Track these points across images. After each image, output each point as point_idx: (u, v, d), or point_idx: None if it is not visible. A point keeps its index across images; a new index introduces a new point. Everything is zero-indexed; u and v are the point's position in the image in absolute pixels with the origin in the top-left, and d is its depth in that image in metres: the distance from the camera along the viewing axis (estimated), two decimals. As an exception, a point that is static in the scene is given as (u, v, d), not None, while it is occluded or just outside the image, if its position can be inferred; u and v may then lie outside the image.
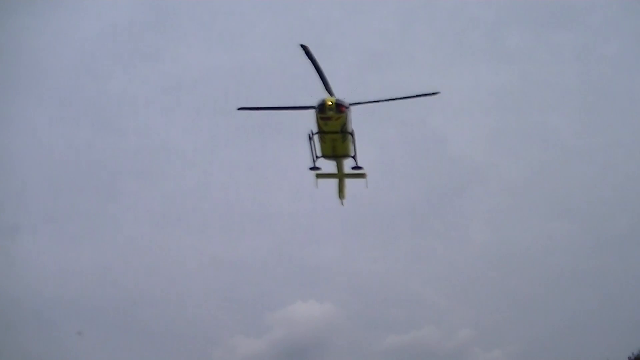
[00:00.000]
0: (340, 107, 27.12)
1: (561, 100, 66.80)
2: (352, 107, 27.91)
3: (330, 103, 26.82)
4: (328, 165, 30.54)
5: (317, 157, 29.30)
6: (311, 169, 29.90)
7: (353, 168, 30.29)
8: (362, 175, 31.30)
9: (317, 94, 27.07)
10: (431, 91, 28.69)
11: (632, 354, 40.67)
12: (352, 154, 29.58)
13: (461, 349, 56.87)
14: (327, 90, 26.85)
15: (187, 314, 56.83)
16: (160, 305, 57.42)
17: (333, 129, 27.70)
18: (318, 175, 31.36)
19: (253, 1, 63.31)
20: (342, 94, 30.32)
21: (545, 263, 58.33)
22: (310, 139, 28.44)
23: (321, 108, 27.06)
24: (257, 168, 63.17)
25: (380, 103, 28.11)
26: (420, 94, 28.27)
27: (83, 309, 54.79)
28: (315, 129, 27.97)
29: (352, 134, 28.51)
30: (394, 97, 28.08)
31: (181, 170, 64.62)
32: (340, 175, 31.80)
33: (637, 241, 56.58)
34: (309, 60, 25.85)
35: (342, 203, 33.58)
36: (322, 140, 28.44)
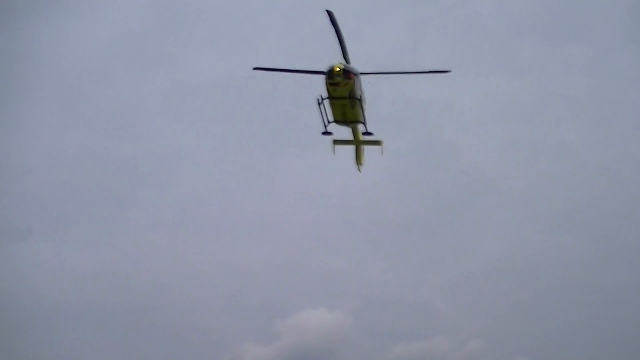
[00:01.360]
0: (348, 74, 27.52)
1: (573, 112, 66.82)
2: (362, 78, 28.56)
3: (338, 69, 27.24)
4: (340, 131, 31.06)
5: (328, 122, 29.70)
6: (323, 133, 30.34)
7: (364, 134, 30.72)
8: (378, 143, 32.35)
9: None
10: (443, 69, 29.03)
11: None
12: (362, 120, 29.92)
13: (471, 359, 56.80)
14: (344, 58, 27.45)
15: (197, 319, 56.91)
16: (169, 310, 57.53)
17: (341, 95, 28.10)
18: (335, 142, 32.16)
19: (265, 6, 63.32)
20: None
21: (555, 274, 58.23)
22: (320, 104, 28.82)
23: (329, 74, 27.48)
24: (269, 175, 63.64)
25: (390, 75, 28.66)
26: (431, 70, 28.70)
27: (92, 313, 55.04)
28: (324, 95, 28.37)
29: (361, 100, 28.89)
30: (405, 70, 28.63)
31: (192, 176, 64.84)
32: (357, 142, 32.46)
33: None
34: (332, 27, 26.46)
35: (359, 169, 34.13)
36: (332, 105, 28.92)
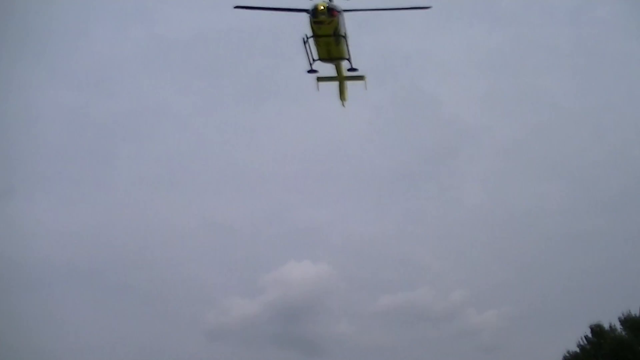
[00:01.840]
0: (332, 12, 27.70)
1: (554, 62, 66.80)
2: (344, 14, 28.37)
3: (322, 7, 27.32)
4: (325, 68, 30.37)
5: (313, 60, 29.55)
6: (308, 72, 30.13)
7: (349, 70, 30.41)
8: (361, 78, 32.46)
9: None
10: (423, 5, 29.02)
11: (622, 314, 41.05)
12: (347, 57, 29.90)
13: (455, 310, 57.46)
14: None
15: (181, 275, 57.19)
16: (154, 266, 57.77)
17: (326, 33, 28.25)
18: (319, 79, 31.69)
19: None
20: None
21: (538, 224, 58.76)
22: (305, 42, 28.72)
23: (314, 13, 27.58)
24: (251, 129, 63.40)
25: (371, 12, 28.74)
26: (411, 7, 28.43)
27: (76, 270, 55.10)
28: (309, 33, 28.28)
29: (345, 37, 29.04)
30: (384, 7, 28.69)
31: (173, 132, 64.82)
32: (340, 78, 32.11)
33: (630, 202, 57.08)
34: None
35: (343, 105, 34.69)
36: (317, 43, 28.95)
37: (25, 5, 61.98)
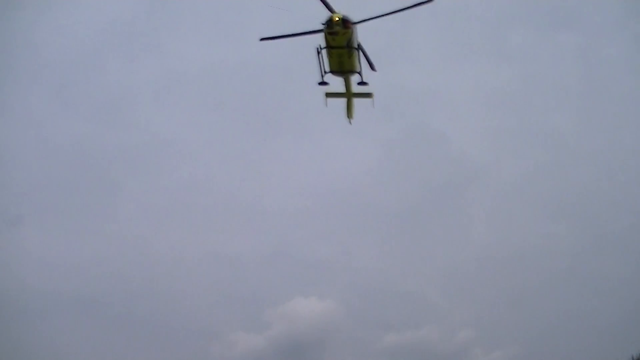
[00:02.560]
0: (346, 23, 28.70)
1: (562, 100, 66.91)
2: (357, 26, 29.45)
3: (337, 19, 28.43)
4: (336, 83, 31.73)
5: (325, 72, 30.63)
6: (319, 84, 31.19)
7: (359, 84, 31.55)
8: (369, 95, 32.84)
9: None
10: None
11: (632, 357, 40.73)
12: (358, 70, 30.90)
13: (462, 349, 56.95)
14: (329, 10, 28.57)
15: (187, 309, 56.88)
16: (159, 300, 57.38)
17: (339, 44, 29.21)
18: (327, 94, 32.66)
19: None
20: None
21: (545, 263, 58.40)
22: (319, 53, 29.82)
23: (329, 24, 28.62)
24: (259, 164, 63.55)
25: (378, 19, 29.41)
26: (414, 4, 29.58)
27: (82, 302, 54.87)
28: (323, 44, 29.41)
29: (358, 49, 29.94)
30: (390, 11, 29.46)
31: (181, 165, 64.80)
32: (349, 94, 33.01)
33: (637, 242, 56.76)
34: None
35: (350, 122, 35.22)
36: (329, 55, 29.97)
37: (36, 37, 62.75)
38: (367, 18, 29.51)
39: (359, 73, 31.16)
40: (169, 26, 66.92)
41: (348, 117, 34.74)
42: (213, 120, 66.46)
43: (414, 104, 64.18)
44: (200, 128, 66.13)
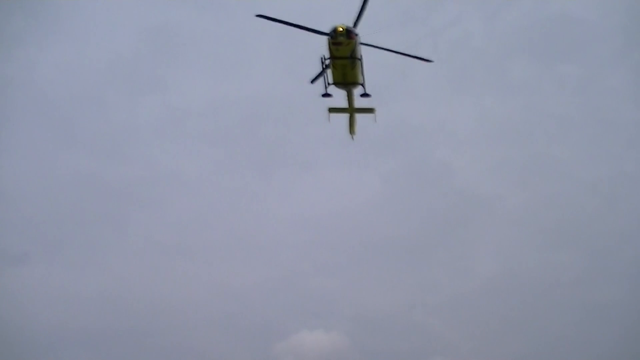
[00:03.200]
0: (350, 34, 29.54)
1: (565, 130, 67.06)
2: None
3: (341, 29, 29.25)
4: (339, 96, 33.03)
5: (328, 84, 31.64)
6: (323, 95, 32.24)
7: (362, 95, 32.53)
8: (371, 110, 34.50)
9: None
10: (426, 58, 32.20)
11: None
12: (361, 82, 31.87)
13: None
14: (358, 19, 29.51)
15: (193, 343, 56.68)
16: (165, 334, 57.32)
17: (343, 55, 30.07)
18: (330, 110, 33.88)
19: (256, 31, 63.69)
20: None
21: (550, 292, 58.26)
22: (323, 63, 30.73)
23: (333, 34, 29.38)
24: (262, 197, 63.64)
25: (381, 51, 30.84)
26: (416, 56, 31.56)
27: (88, 336, 54.97)
28: (327, 55, 30.28)
29: (360, 60, 30.93)
30: (394, 50, 31.13)
31: (186, 199, 64.86)
32: (351, 110, 34.13)
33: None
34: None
35: (352, 138, 35.70)
36: (333, 66, 30.87)
37: (41, 72, 63.36)
38: (368, 44, 30.53)
39: (362, 84, 31.96)
40: (170, 63, 67.69)
41: (350, 132, 35.41)
42: (216, 154, 66.76)
43: (417, 136, 64.61)
44: (204, 162, 66.36)
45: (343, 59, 30.31)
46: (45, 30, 63.10)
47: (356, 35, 29.85)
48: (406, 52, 31.54)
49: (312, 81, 32.51)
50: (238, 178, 65.59)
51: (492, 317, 58.53)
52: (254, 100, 62.82)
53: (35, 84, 63.62)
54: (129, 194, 63.53)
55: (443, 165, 64.52)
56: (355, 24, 29.68)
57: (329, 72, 31.39)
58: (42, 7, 62.71)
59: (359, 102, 34.10)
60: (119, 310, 56.51)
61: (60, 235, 60.27)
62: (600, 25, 66.94)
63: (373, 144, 60.54)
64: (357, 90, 32.95)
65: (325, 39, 30.04)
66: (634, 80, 65.12)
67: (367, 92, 32.65)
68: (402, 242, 62.20)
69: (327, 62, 30.74)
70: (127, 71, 66.02)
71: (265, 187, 64.22)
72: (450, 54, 67.28)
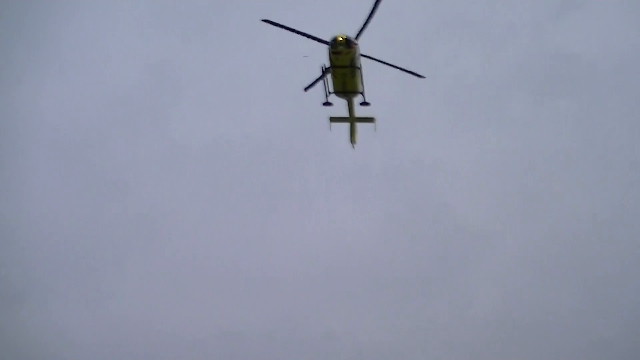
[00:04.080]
0: (350, 43, 30.76)
1: (564, 166, 66.98)
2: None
3: (341, 39, 30.50)
4: (339, 106, 34.27)
5: (329, 92, 32.94)
6: (324, 104, 33.56)
7: (362, 104, 33.83)
8: (371, 120, 35.59)
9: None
10: (419, 73, 33.28)
11: None
12: (361, 90, 33.16)
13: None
14: (363, 28, 30.58)
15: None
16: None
17: (343, 64, 31.25)
18: (331, 119, 35.52)
19: (256, 69, 63.86)
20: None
21: (551, 333, 58.01)
22: (323, 72, 32.09)
23: (333, 43, 30.64)
24: (261, 236, 63.41)
25: (377, 62, 32.20)
26: (409, 70, 32.71)
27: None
28: (327, 64, 31.54)
29: (360, 69, 32.13)
30: (389, 62, 32.37)
31: (183, 239, 64.54)
32: (352, 119, 35.61)
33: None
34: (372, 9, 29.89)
35: (353, 147, 37.02)
36: (333, 75, 32.11)
37: (39, 109, 63.34)
38: (366, 55, 31.75)
39: (362, 93, 33.17)
40: (171, 99, 67.71)
41: (351, 142, 36.69)
42: (216, 192, 66.62)
43: (415, 171, 64.50)
44: (203, 200, 66.20)
45: (343, 67, 31.32)
46: (46, 66, 63.34)
47: (356, 44, 30.96)
48: (400, 67, 32.72)
49: (306, 89, 33.85)
50: (238, 217, 65.53)
51: (491, 354, 58.35)
52: (255, 138, 63.08)
53: (34, 121, 63.67)
54: (127, 233, 63.41)
55: (442, 201, 64.46)
56: (358, 36, 30.81)
57: (329, 81, 32.49)
58: (43, 43, 63.05)
59: (359, 111, 35.27)
60: (118, 351, 56.21)
61: (57, 273, 60.10)
62: (598, 60, 67.25)
63: (372, 180, 60.82)
64: (357, 99, 34.25)
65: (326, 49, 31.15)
66: (633, 116, 65.29)
67: (367, 100, 34.04)
68: (401, 279, 62.07)
69: (328, 70, 32.18)
70: (127, 108, 66.10)
71: (265, 224, 64.12)
72: (448, 90, 67.63)
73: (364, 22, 30.20)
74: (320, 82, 32.46)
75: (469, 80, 68.00)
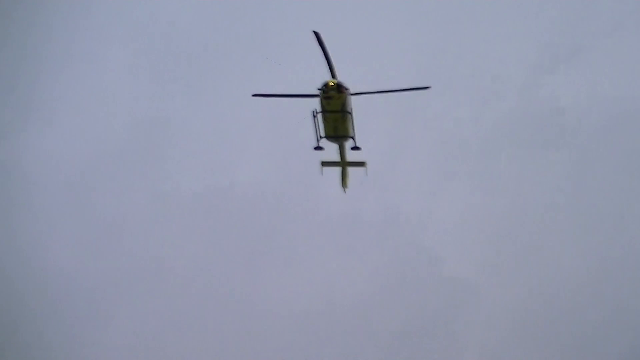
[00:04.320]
0: (340, 88, 31.61)
1: (555, 220, 66.94)
2: (351, 99, 32.54)
3: (332, 84, 31.31)
4: (331, 149, 34.84)
5: (320, 137, 33.66)
6: (315, 148, 34.34)
7: (353, 148, 34.59)
8: (362, 164, 36.12)
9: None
10: (423, 86, 32.89)
11: None
12: (352, 135, 33.94)
13: None
14: (332, 75, 31.36)
15: None
16: None
17: (334, 108, 31.99)
18: (323, 163, 36.17)
19: (248, 124, 64.11)
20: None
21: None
22: (315, 117, 32.61)
23: (324, 88, 31.52)
24: (249, 291, 63.19)
25: (374, 95, 32.52)
26: (412, 87, 32.52)
27: None
28: (318, 109, 32.34)
29: (351, 114, 32.80)
30: (387, 89, 32.54)
31: (172, 292, 64.33)
32: (343, 163, 36.31)
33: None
34: (320, 47, 30.03)
35: (344, 191, 37.59)
36: (325, 120, 32.84)
37: (25, 162, 63.48)
38: (360, 92, 32.29)
39: (353, 138, 33.86)
40: (160, 153, 67.79)
41: (343, 186, 37.09)
42: (204, 245, 66.56)
43: (405, 225, 64.49)
44: (191, 253, 66.13)
45: (334, 112, 31.91)
46: (34, 121, 63.55)
47: (346, 89, 31.60)
48: (400, 88, 32.87)
49: (315, 148, 34.61)
50: (226, 267, 65.36)
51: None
52: (243, 191, 63.15)
53: (21, 172, 63.76)
54: (113, 288, 63.18)
55: (431, 255, 64.35)
56: (333, 76, 31.28)
57: (320, 125, 32.98)
58: (31, 97, 63.34)
59: (350, 155, 35.92)
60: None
61: (41, 332, 59.74)
62: (588, 113, 67.51)
63: (361, 232, 60.80)
64: (348, 144, 34.89)
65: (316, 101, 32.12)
66: (621, 170, 65.37)
67: (358, 145, 34.76)
68: (390, 333, 61.85)
69: (319, 116, 32.86)
70: (115, 162, 66.15)
71: (252, 278, 63.98)
72: (439, 142, 67.82)
73: (326, 62, 30.49)
74: (312, 126, 33.12)
75: (459, 133, 68.25)
